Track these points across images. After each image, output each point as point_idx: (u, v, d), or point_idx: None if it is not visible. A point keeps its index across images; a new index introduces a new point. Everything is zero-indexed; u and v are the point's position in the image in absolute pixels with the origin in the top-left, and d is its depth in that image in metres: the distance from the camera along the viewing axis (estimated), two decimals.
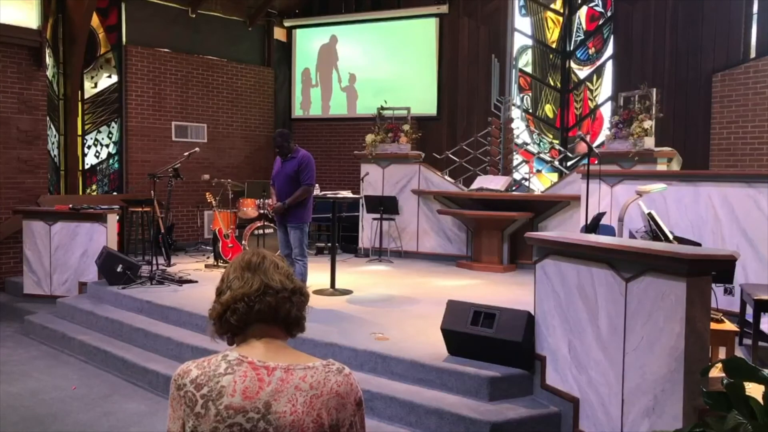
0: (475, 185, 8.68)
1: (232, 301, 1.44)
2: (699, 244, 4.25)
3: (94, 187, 9.72)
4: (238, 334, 1.47)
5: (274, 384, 1.36)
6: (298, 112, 12.19)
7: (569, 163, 10.10)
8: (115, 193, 9.70)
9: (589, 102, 10.44)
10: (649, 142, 7.04)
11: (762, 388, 2.08)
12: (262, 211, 8.04)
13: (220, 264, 7.96)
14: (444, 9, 10.97)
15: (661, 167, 6.92)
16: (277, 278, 1.46)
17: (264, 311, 1.44)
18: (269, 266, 1.48)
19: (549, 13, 10.76)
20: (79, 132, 9.42)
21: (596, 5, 10.35)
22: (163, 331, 5.45)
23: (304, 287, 1.52)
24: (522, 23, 10.84)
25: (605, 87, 10.20)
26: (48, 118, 8.43)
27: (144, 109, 9.94)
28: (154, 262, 6.98)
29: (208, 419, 1.33)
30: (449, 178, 9.18)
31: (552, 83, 10.77)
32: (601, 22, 10.30)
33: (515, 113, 10.02)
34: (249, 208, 8.37)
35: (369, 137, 9.31)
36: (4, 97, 7.87)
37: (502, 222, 8.01)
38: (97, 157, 9.71)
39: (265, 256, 1.51)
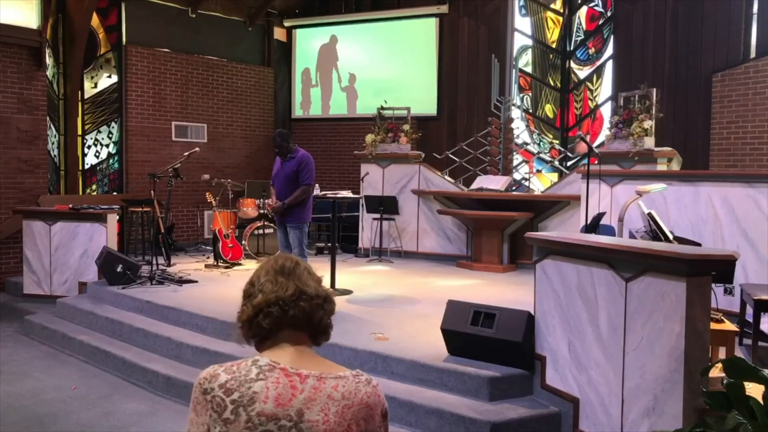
0: (475, 185, 8.68)
1: (265, 305, 1.41)
2: (699, 244, 4.25)
3: (94, 187, 9.72)
4: (268, 339, 1.44)
5: (307, 392, 1.34)
6: (298, 112, 12.19)
7: (569, 163, 10.10)
8: (115, 193, 9.70)
9: (589, 102, 10.44)
10: (649, 142, 7.04)
11: (762, 388, 2.08)
12: (262, 211, 8.05)
13: (220, 264, 7.96)
14: (444, 9, 10.97)
15: (661, 167, 6.92)
16: (312, 284, 1.46)
17: (298, 317, 1.42)
18: (303, 272, 1.47)
19: (549, 13, 10.76)
20: (79, 132, 9.42)
21: (596, 5, 10.35)
22: (162, 331, 5.45)
23: (332, 295, 1.51)
24: (522, 23, 10.84)
25: (605, 87, 10.20)
26: (48, 118, 8.43)
27: (144, 109, 9.94)
28: (154, 262, 6.98)
29: (238, 425, 1.31)
30: (449, 178, 9.18)
31: (552, 83, 10.77)
32: (601, 22, 10.30)
33: (515, 113, 10.02)
34: (249, 208, 8.37)
35: (369, 137, 9.30)
36: (4, 97, 7.87)
37: (502, 222, 8.01)
38: (97, 157, 9.71)
39: (299, 261, 1.49)
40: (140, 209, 8.38)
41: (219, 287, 6.47)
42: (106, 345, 5.55)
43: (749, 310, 4.36)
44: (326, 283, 5.41)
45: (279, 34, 12.00)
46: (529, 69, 10.92)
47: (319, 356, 1.45)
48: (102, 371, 5.34)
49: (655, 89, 7.20)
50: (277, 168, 5.82)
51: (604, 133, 8.23)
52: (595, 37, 10.38)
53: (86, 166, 9.61)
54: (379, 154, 9.31)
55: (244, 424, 1.30)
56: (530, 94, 10.95)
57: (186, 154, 7.57)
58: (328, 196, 6.63)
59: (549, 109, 10.81)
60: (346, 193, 6.84)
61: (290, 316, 1.41)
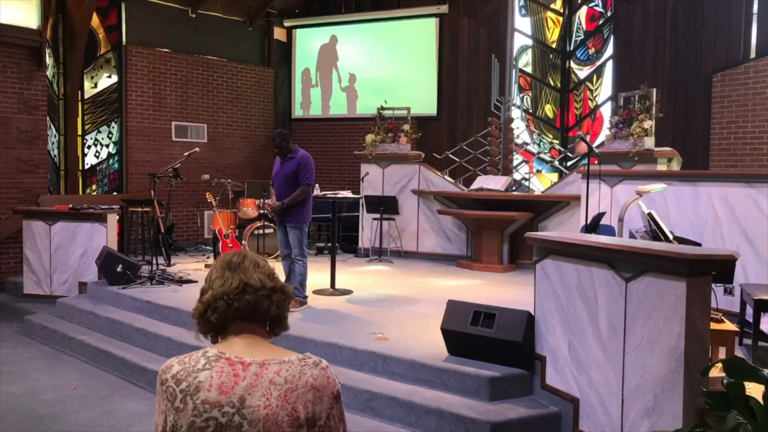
0: (475, 185, 8.68)
1: (212, 300, 1.47)
2: (699, 244, 4.25)
3: (94, 187, 9.72)
4: (220, 333, 1.50)
5: (248, 379, 1.38)
6: (298, 112, 12.19)
7: (569, 163, 10.10)
8: (115, 193, 9.70)
9: (589, 102, 10.44)
10: (649, 142, 7.04)
11: (762, 388, 2.07)
12: (262, 211, 8.05)
13: None
14: (444, 9, 10.97)
15: (661, 167, 6.92)
16: (257, 277, 1.49)
17: (243, 309, 1.46)
18: (249, 265, 1.51)
19: (549, 13, 10.76)
20: (79, 132, 9.42)
21: (596, 5, 10.35)
22: (162, 331, 5.45)
23: (286, 286, 1.55)
24: (522, 23, 10.84)
25: (605, 87, 10.20)
26: (48, 118, 8.43)
27: (144, 109, 9.94)
28: (154, 262, 6.98)
29: (186, 413, 1.36)
30: (449, 178, 9.18)
31: (552, 83, 10.77)
32: (601, 22, 10.30)
33: (515, 113, 10.02)
34: (249, 208, 8.37)
35: (369, 137, 9.30)
36: (4, 97, 7.87)
37: (502, 222, 8.01)
38: (97, 157, 9.71)
39: (246, 255, 1.54)
40: (140, 209, 8.37)
41: None
42: (106, 345, 5.55)
43: (749, 310, 4.36)
44: (326, 283, 5.37)
45: (279, 34, 12.00)
46: (529, 69, 10.92)
47: (270, 345, 1.49)
48: (102, 371, 5.34)
49: (655, 89, 7.19)
50: (277, 168, 5.82)
51: (604, 133, 8.23)
52: (595, 37, 10.38)
53: (86, 166, 9.61)
54: (379, 154, 9.31)
55: (191, 412, 1.36)
56: (530, 94, 10.95)
57: (186, 154, 7.57)
58: (328, 196, 6.63)
59: (549, 109, 10.81)
60: (346, 193, 6.84)
61: (235, 309, 1.46)
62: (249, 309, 1.47)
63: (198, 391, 1.37)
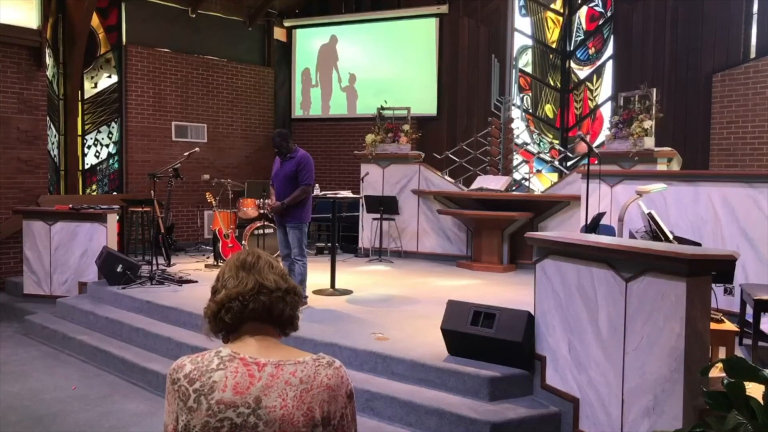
0: (475, 185, 8.68)
1: (226, 300, 1.46)
2: (699, 244, 4.25)
3: (94, 187, 9.72)
4: (233, 332, 1.49)
5: (264, 379, 1.38)
6: (298, 112, 12.19)
7: (569, 163, 10.10)
8: (115, 193, 9.69)
9: (589, 102, 10.44)
10: (649, 142, 7.04)
11: (762, 388, 2.08)
12: (262, 211, 8.05)
13: (220, 264, 7.96)
14: (444, 9, 10.97)
15: (661, 167, 6.92)
16: (272, 278, 1.49)
17: (258, 310, 1.46)
18: (264, 266, 1.51)
19: (549, 13, 10.76)
20: (79, 132, 9.42)
21: (596, 5, 10.35)
22: (162, 331, 5.45)
23: (298, 287, 1.55)
24: (522, 23, 10.84)
25: (605, 87, 10.20)
26: (48, 118, 8.43)
27: (144, 109, 9.94)
28: (154, 262, 6.98)
29: (200, 413, 1.36)
30: (449, 178, 9.18)
31: (552, 83, 10.77)
32: (601, 22, 10.30)
33: (515, 113, 10.02)
34: (249, 208, 8.37)
35: (369, 137, 9.30)
36: (4, 97, 7.87)
37: (502, 222, 8.01)
38: (97, 157, 9.71)
39: (260, 255, 1.53)
40: (140, 209, 8.38)
41: None
42: (106, 345, 5.56)
43: (749, 310, 4.36)
44: (326, 283, 5.38)
45: (279, 34, 12.00)
46: (529, 69, 10.92)
47: (283, 345, 1.49)
48: (102, 371, 5.34)
49: (655, 89, 7.20)
50: (277, 168, 5.82)
51: (604, 133, 8.23)
52: (595, 37, 10.38)
53: (86, 166, 9.61)
54: (379, 154, 9.31)
55: (205, 412, 1.35)
56: (530, 94, 10.95)
57: (186, 154, 7.57)
58: (328, 196, 6.63)
59: (549, 109, 10.81)
60: (346, 193, 6.84)
61: (250, 310, 1.46)
62: (264, 310, 1.46)
63: (212, 391, 1.36)
